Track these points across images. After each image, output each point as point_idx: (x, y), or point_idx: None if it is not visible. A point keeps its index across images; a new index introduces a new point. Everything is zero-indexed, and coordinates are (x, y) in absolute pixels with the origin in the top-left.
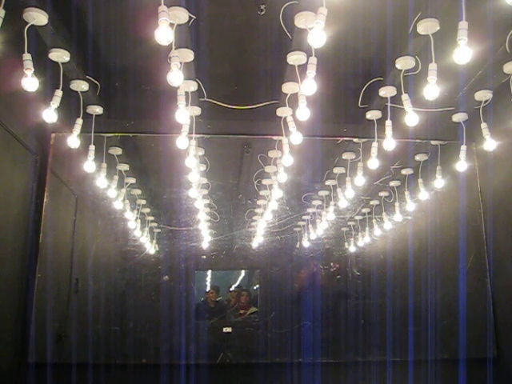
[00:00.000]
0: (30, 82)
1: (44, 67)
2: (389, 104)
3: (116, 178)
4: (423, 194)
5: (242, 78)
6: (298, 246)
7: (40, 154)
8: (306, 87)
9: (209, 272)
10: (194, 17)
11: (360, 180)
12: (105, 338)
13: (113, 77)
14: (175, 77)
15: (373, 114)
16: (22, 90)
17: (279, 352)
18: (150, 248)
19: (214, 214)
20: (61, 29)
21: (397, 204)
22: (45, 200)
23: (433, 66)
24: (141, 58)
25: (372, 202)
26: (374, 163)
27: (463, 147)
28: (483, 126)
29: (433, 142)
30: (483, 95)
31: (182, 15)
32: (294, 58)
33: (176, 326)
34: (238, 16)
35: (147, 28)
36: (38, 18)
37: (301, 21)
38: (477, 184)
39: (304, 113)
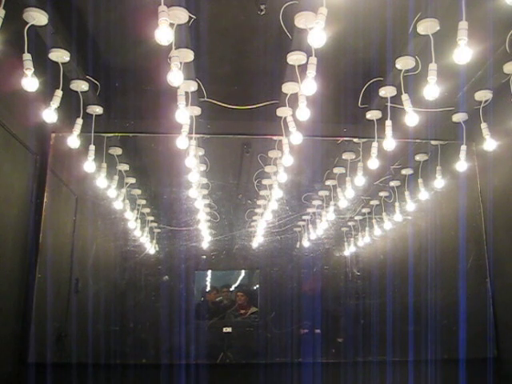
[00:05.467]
0: (30, 82)
1: (44, 67)
2: (389, 104)
3: (116, 178)
4: (423, 194)
5: (242, 78)
6: (298, 245)
7: (40, 154)
8: (306, 87)
9: (209, 272)
10: (194, 17)
11: (360, 180)
12: (105, 338)
13: (113, 77)
14: (175, 77)
15: (373, 114)
16: (22, 90)
17: (279, 352)
18: (150, 248)
19: (214, 213)
20: (61, 29)
21: (397, 204)
22: (45, 200)
23: (433, 66)
24: (141, 58)
25: (372, 202)
26: (373, 163)
27: (463, 147)
28: (483, 126)
29: (433, 142)
30: (483, 95)
31: (182, 15)
32: (294, 58)
33: (176, 325)
34: (238, 16)
35: (147, 28)
36: (38, 18)
37: (301, 21)
38: (477, 184)
39: (304, 113)
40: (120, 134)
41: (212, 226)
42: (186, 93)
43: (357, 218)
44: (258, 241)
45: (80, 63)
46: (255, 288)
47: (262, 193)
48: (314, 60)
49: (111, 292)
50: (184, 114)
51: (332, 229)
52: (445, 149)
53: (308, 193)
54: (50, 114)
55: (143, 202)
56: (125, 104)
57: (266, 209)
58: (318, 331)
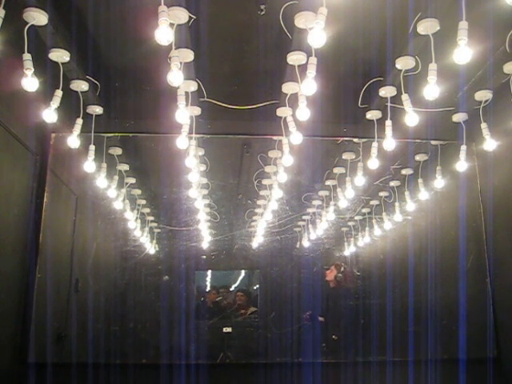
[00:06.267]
0: (29, 82)
1: (44, 67)
2: (389, 104)
3: (116, 178)
4: (423, 194)
5: (242, 78)
6: (298, 245)
7: (40, 154)
8: (305, 87)
9: (209, 272)
10: (194, 17)
11: (360, 180)
12: (105, 338)
13: (113, 77)
14: (175, 77)
15: (373, 114)
16: (22, 90)
17: (279, 352)
18: (150, 248)
19: (214, 213)
20: (61, 29)
21: (397, 204)
22: (45, 200)
23: (433, 66)
24: (141, 58)
25: (372, 202)
26: (373, 163)
27: (463, 147)
28: (483, 126)
29: (433, 142)
30: (483, 95)
31: (182, 15)
32: (294, 58)
33: (176, 325)
34: (238, 16)
35: (147, 28)
36: (38, 18)
37: (301, 21)
38: (477, 184)
39: (304, 113)
40: (120, 134)
41: (212, 226)
42: (186, 93)
43: (357, 217)
44: (258, 241)
45: (80, 63)
46: (255, 288)
47: (262, 193)
48: (314, 60)
49: (111, 292)
50: (184, 114)
51: (332, 229)
52: (445, 149)
53: (308, 193)
54: (50, 114)
55: (143, 202)
56: (125, 104)
57: (266, 209)
58: (321, 319)
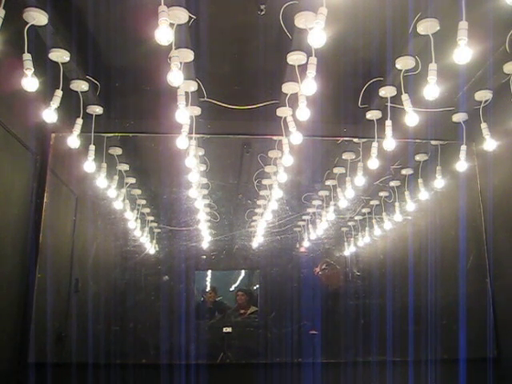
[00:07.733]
0: (29, 82)
1: (44, 67)
2: (389, 104)
3: (116, 178)
4: (423, 194)
5: (242, 78)
6: (297, 245)
7: (40, 154)
8: (305, 87)
9: (209, 272)
10: (194, 17)
11: (360, 180)
12: (105, 338)
13: (113, 77)
14: (175, 77)
15: (373, 114)
16: (22, 90)
17: (279, 352)
18: (150, 248)
19: (214, 213)
20: (61, 29)
21: (397, 204)
22: (45, 200)
23: (433, 66)
24: (141, 58)
25: (372, 202)
26: (373, 163)
27: (463, 147)
28: (483, 126)
29: (433, 142)
30: (483, 95)
31: (182, 15)
32: (294, 58)
33: (176, 325)
34: (238, 16)
35: (147, 28)
36: (38, 18)
37: (301, 21)
38: (477, 184)
39: (304, 113)
40: (120, 134)
41: (212, 226)
42: (186, 93)
43: (357, 217)
44: (258, 241)
45: (80, 63)
46: (255, 288)
47: (262, 193)
48: (314, 60)
49: (111, 292)
50: (184, 114)
51: (332, 229)
52: (445, 149)
53: (308, 193)
54: (50, 114)
55: (143, 202)
56: (125, 104)
57: (266, 209)
58: (313, 332)
